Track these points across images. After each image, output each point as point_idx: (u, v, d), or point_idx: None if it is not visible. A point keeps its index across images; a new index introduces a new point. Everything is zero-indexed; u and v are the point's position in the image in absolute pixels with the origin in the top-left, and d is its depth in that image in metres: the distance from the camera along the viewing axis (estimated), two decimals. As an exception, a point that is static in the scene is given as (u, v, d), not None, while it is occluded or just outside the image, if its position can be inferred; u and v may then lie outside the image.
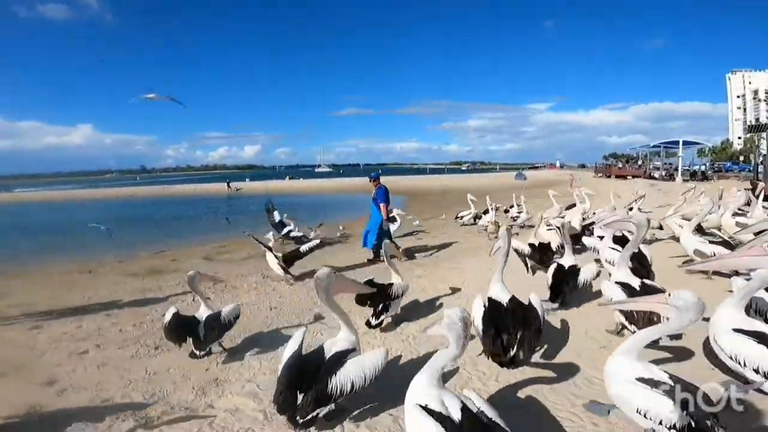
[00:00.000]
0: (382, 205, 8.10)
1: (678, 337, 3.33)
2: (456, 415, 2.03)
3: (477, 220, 12.34)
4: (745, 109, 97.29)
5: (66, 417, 2.90)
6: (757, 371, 2.62)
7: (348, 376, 2.65)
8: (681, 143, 32.35)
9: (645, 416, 2.21)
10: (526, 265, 6.16)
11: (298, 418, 2.59)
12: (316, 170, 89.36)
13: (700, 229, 6.15)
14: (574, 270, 4.54)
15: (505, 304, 3.32)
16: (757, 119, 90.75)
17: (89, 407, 3.07)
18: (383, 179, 8.71)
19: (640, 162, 58.22)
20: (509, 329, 3.12)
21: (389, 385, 2.92)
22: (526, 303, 3.34)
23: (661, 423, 2.17)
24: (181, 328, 3.74)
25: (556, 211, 9.64)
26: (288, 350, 2.77)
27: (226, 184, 43.78)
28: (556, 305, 4.53)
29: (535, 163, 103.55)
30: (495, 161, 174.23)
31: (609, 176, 42.21)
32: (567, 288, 4.50)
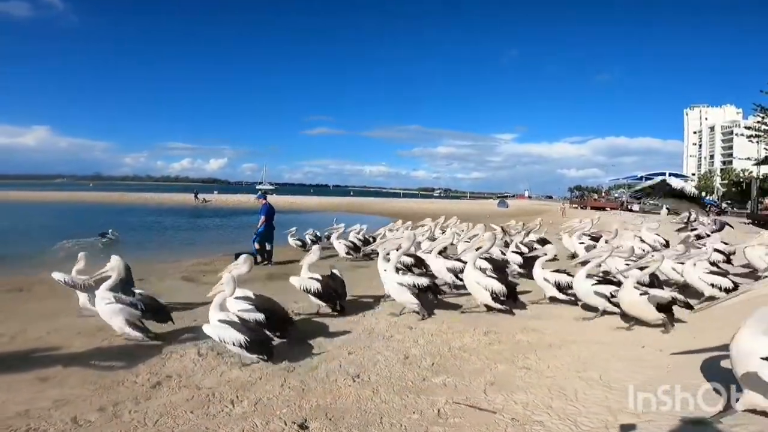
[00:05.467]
0: (262, 217, 9.84)
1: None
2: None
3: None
4: (700, 145, 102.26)
5: None
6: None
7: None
8: (667, 176, 32.54)
9: None
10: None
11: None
12: (257, 187, 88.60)
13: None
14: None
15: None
16: (712, 155, 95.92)
17: None
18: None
19: (603, 194, 59.89)
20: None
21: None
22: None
23: None
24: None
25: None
26: None
27: (193, 195, 41.58)
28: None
29: (504, 193, 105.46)
30: (461, 189, 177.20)
31: (584, 207, 42.71)
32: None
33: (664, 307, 4.62)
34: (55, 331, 4.48)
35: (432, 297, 5.51)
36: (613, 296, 5.10)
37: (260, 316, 4.03)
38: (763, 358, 2.42)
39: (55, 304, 5.62)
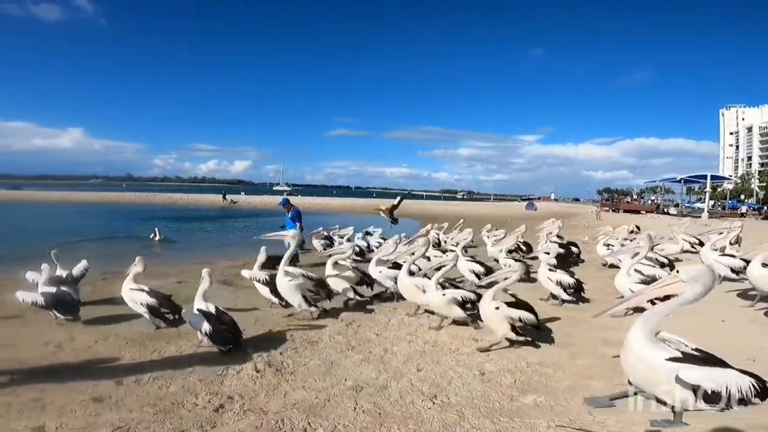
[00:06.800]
0: (298, 224, 9.45)
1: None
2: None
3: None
4: (737, 147, 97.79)
5: None
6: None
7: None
8: (709, 177, 31.15)
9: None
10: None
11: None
12: (274, 188, 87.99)
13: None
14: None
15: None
16: (750, 157, 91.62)
17: None
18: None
19: (634, 197, 57.79)
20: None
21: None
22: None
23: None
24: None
25: None
26: None
27: (221, 195, 42.07)
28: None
29: (530, 195, 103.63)
30: (483, 191, 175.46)
31: (617, 211, 41.26)
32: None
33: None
34: (104, 340, 4.22)
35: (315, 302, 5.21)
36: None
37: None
38: (669, 360, 2.46)
39: (101, 309, 5.39)
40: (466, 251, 7.76)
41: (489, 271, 7.28)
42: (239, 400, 3.02)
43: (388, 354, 4.07)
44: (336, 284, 5.69)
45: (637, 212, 37.68)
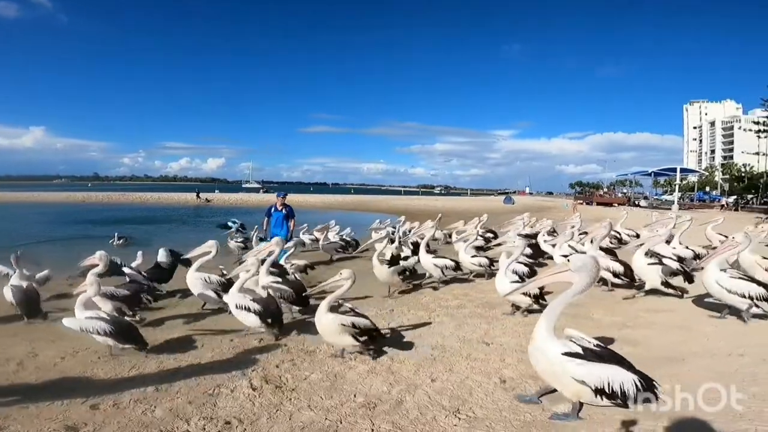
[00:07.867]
0: (293, 220, 8.73)
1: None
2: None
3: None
4: (700, 141, 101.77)
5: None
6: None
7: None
8: (678, 171, 32.11)
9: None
10: None
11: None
12: (243, 185, 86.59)
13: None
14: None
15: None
16: (713, 151, 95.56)
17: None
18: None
19: (605, 190, 59.55)
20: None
21: None
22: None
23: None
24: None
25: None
26: None
27: (195, 194, 40.81)
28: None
29: (506, 189, 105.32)
30: (459, 186, 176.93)
31: (590, 203, 42.19)
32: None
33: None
34: (71, 355, 3.72)
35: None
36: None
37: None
38: (564, 354, 2.55)
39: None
40: (428, 246, 7.20)
41: (458, 266, 6.89)
42: (238, 425, 2.61)
43: (396, 363, 3.71)
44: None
45: (610, 205, 38.59)
